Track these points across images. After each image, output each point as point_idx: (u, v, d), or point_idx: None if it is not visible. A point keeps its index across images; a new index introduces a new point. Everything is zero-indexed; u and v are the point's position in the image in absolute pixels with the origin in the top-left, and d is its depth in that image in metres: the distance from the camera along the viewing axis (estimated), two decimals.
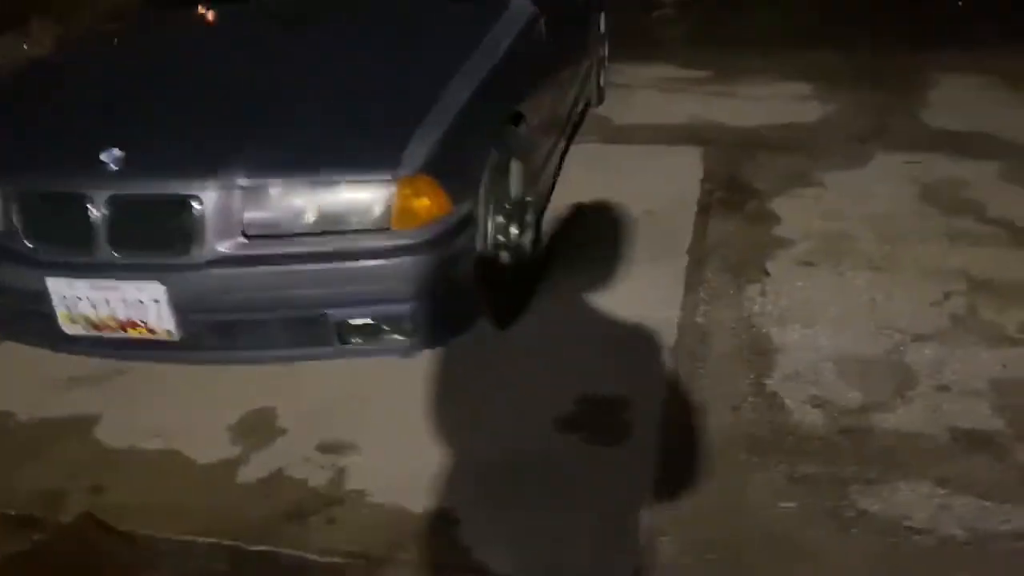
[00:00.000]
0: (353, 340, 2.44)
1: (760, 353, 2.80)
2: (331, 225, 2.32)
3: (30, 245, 2.41)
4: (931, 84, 5.43)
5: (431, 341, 2.57)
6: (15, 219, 2.43)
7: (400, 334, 2.45)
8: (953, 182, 3.98)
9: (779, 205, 3.86)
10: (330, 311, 2.36)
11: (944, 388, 2.59)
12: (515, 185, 2.98)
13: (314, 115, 2.53)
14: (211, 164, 2.32)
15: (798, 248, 3.46)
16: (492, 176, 2.70)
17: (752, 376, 2.69)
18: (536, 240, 3.21)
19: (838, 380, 2.65)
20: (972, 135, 4.52)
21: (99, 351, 2.56)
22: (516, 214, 2.95)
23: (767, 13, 7.88)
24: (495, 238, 2.75)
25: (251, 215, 2.31)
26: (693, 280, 3.27)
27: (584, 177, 4.24)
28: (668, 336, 2.90)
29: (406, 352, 2.54)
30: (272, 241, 2.33)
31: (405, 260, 2.33)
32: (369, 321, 2.41)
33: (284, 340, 2.43)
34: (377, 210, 2.32)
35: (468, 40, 3.06)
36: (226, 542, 2.16)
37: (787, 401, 2.57)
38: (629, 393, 2.62)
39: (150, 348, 2.44)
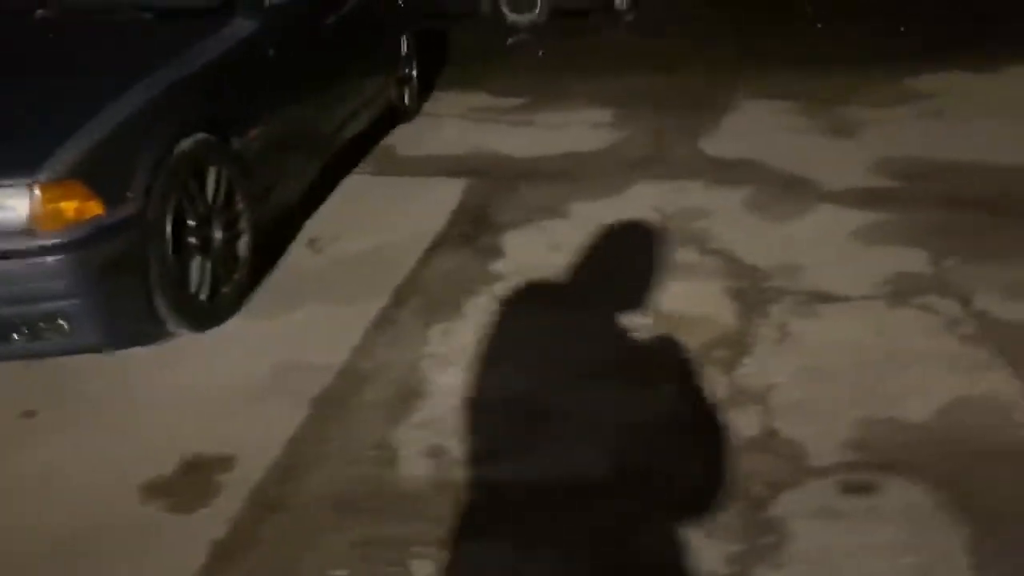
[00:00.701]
0: (14, 338, 2.56)
1: (406, 399, 2.66)
2: None
3: None
4: (732, 109, 5.42)
5: (104, 340, 2.69)
6: None
7: (59, 333, 2.58)
8: (694, 212, 3.90)
9: (511, 238, 3.76)
10: None
11: (576, 434, 2.48)
12: (212, 191, 3.05)
13: None
14: None
15: (505, 284, 3.34)
16: (171, 181, 2.79)
17: (386, 426, 2.56)
18: (248, 243, 3.24)
19: (470, 426, 2.52)
20: (739, 162, 4.48)
21: None
22: (219, 219, 3.06)
23: (627, 36, 7.99)
24: (186, 239, 2.89)
25: None
26: (382, 321, 3.13)
27: (336, 208, 4.14)
28: (320, 384, 2.75)
29: (76, 351, 2.68)
30: None
31: (52, 259, 2.51)
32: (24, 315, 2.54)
33: None
34: (21, 212, 2.48)
35: (160, 56, 3.15)
36: None
37: (403, 453, 2.42)
38: (240, 451, 2.45)
39: None
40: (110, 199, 2.60)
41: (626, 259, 3.54)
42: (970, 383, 2.59)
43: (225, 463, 2.41)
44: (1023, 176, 4.14)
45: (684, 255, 3.52)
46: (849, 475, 2.24)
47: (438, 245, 3.73)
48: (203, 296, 3.02)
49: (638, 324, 3.01)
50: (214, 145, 3.08)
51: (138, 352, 2.86)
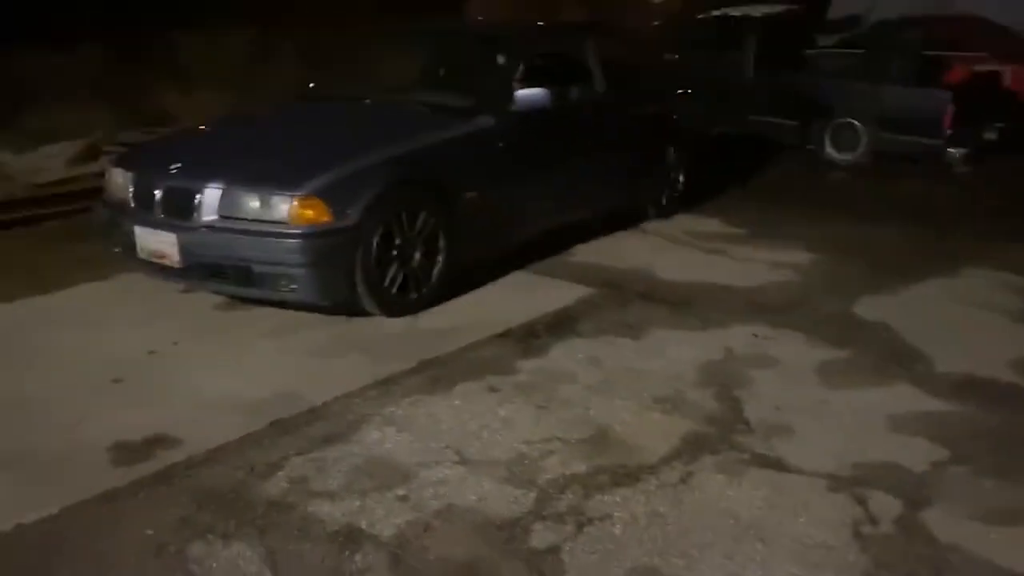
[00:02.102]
0: (266, 286, 4.03)
1: (329, 440, 3.15)
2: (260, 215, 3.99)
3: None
4: (938, 275, 4.96)
5: (315, 296, 4.07)
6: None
7: (291, 288, 3.99)
8: (757, 360, 3.81)
9: (565, 345, 4.03)
10: (255, 265, 3.98)
11: None
12: (420, 226, 4.32)
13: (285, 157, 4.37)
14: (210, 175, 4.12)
15: (513, 380, 3.67)
16: (384, 211, 4.12)
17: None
18: (440, 271, 4.46)
19: None
20: (872, 325, 4.18)
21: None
22: (421, 246, 4.33)
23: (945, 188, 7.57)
24: (383, 249, 4.14)
25: (223, 204, 4.02)
26: (387, 380, 3.65)
27: (485, 293, 4.74)
28: (291, 410, 3.36)
29: (297, 298, 4.06)
30: (232, 220, 4.00)
31: (294, 242, 3.92)
32: (276, 272, 3.97)
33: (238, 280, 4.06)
34: (284, 212, 3.94)
35: (403, 134, 4.55)
36: None
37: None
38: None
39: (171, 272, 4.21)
40: (337, 213, 3.96)
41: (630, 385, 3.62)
42: None
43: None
44: None
45: (698, 395, 3.50)
46: None
47: (500, 336, 4.11)
48: (393, 291, 4.23)
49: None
50: (426, 196, 4.36)
51: None
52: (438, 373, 3.70)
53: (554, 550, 2.52)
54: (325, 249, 3.96)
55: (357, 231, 4.01)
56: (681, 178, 6.49)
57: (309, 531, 2.60)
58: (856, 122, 8.51)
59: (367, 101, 5.26)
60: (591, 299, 4.61)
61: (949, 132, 7.91)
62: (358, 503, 2.74)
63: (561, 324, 4.25)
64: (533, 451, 3.06)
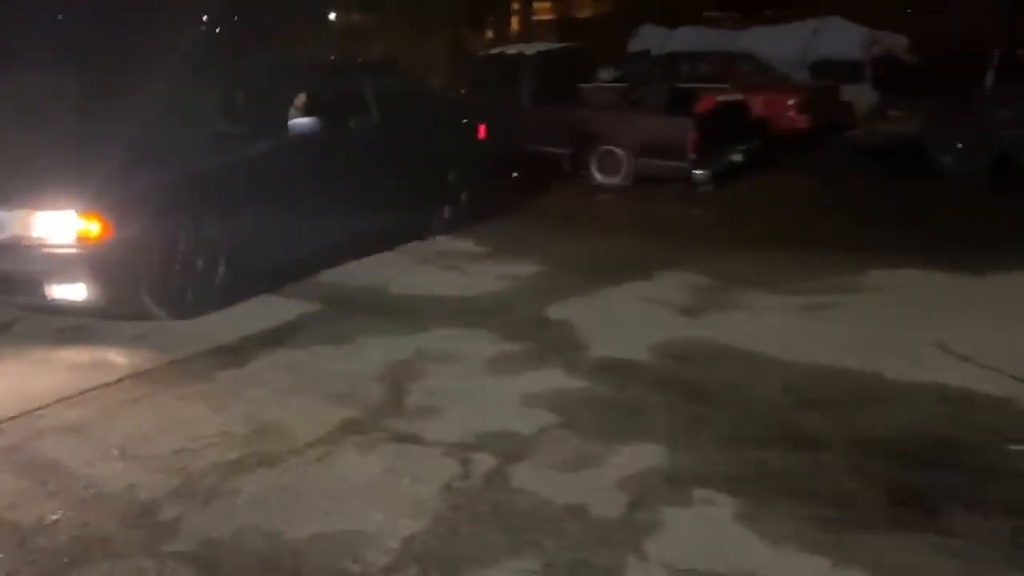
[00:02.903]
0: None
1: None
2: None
3: None
4: (644, 278, 5.63)
5: (104, 310, 4.60)
6: None
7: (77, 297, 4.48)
8: (441, 357, 4.32)
9: (262, 357, 4.41)
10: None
11: None
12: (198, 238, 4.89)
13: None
14: None
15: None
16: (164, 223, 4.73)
17: None
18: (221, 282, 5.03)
19: None
20: (556, 323, 4.76)
21: None
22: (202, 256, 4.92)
23: (686, 207, 8.39)
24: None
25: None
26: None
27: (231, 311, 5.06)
28: None
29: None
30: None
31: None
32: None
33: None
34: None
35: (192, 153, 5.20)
36: None
37: None
38: None
39: None
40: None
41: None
42: None
43: None
44: None
45: (370, 389, 3.94)
46: None
47: (212, 350, 4.44)
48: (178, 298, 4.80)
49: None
50: (206, 211, 4.92)
51: None
52: (137, 385, 4.02)
53: (176, 519, 2.87)
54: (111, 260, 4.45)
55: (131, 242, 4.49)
56: (464, 197, 7.24)
57: None
58: (617, 149, 9.31)
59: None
60: (314, 314, 5.01)
61: (693, 156, 8.78)
62: (10, 500, 3.02)
63: (275, 338, 4.63)
64: (196, 444, 3.40)
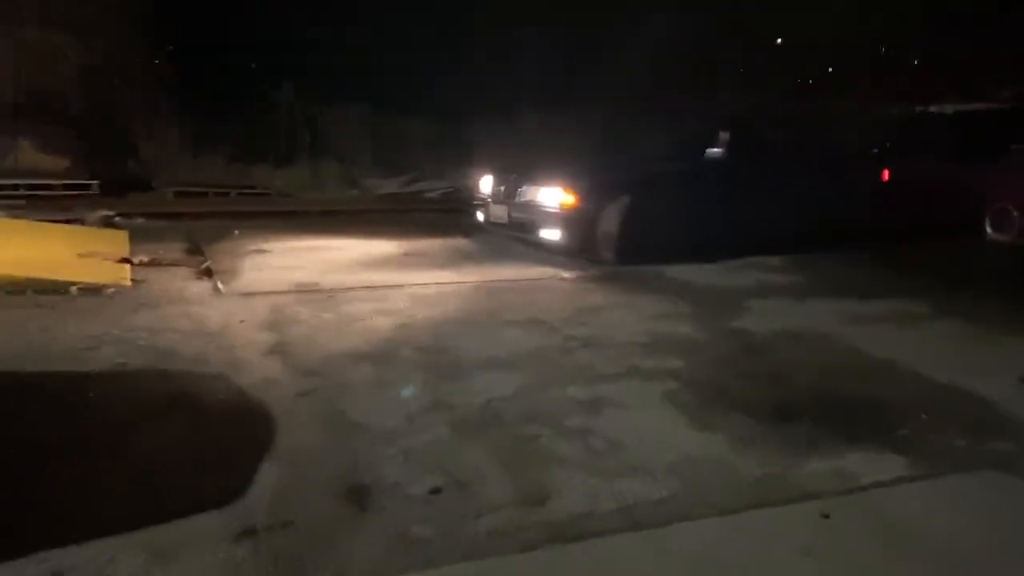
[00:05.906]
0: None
1: None
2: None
3: None
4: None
5: (568, 249, 7.80)
6: None
7: (556, 239, 7.74)
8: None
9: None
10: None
11: None
12: None
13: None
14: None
15: None
16: None
17: None
18: None
19: None
20: None
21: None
22: None
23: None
24: None
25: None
26: None
27: None
28: None
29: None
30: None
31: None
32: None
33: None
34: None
35: None
36: None
37: None
38: None
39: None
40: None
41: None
42: None
43: None
44: None
45: None
46: None
47: None
48: None
49: None
50: None
51: None
52: (581, 280, 6.97)
53: None
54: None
55: None
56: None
57: None
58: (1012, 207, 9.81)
59: None
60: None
61: None
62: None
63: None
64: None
